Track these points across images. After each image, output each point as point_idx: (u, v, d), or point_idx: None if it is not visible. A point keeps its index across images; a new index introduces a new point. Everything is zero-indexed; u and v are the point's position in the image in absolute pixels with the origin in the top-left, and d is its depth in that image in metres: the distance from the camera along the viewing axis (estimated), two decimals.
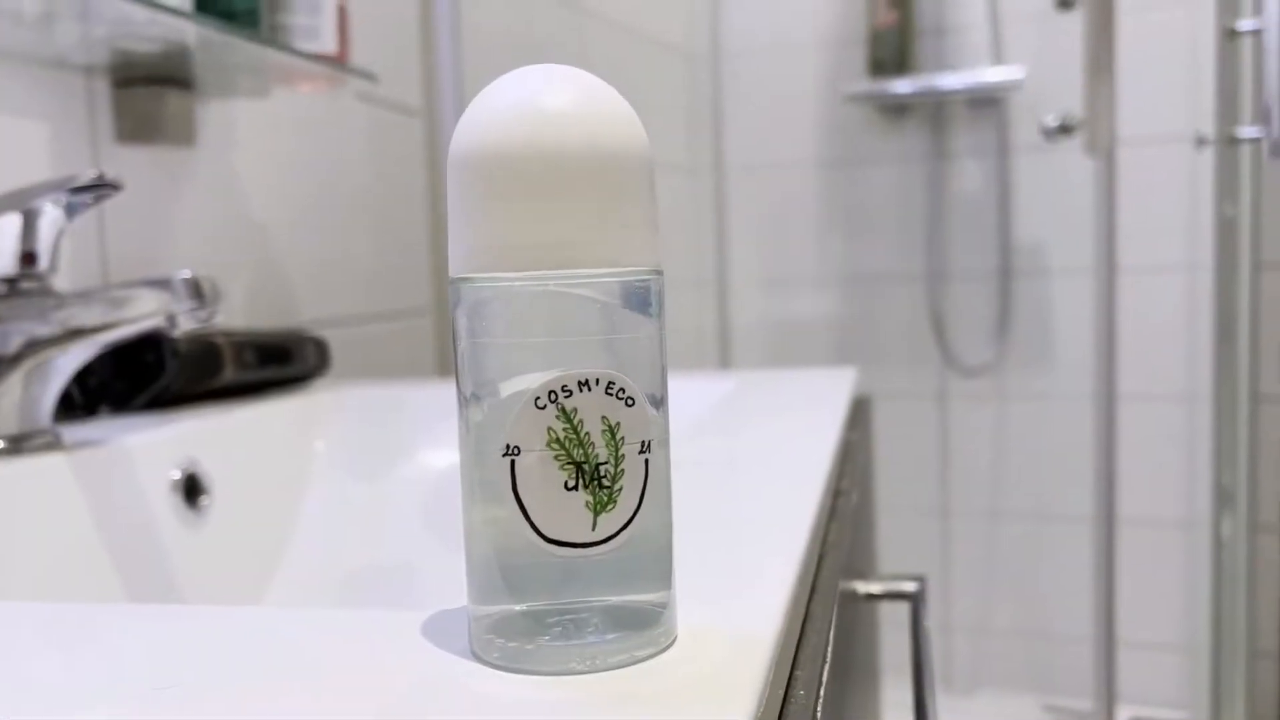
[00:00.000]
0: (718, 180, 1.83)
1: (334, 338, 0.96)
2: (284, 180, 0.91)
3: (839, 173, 1.79)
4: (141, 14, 0.58)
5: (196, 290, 0.52)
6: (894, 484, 1.83)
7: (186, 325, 0.52)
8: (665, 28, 1.77)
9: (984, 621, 1.84)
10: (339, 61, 0.73)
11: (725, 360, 1.87)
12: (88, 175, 0.51)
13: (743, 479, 0.46)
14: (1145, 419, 1.69)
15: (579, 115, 0.24)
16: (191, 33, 0.61)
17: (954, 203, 1.75)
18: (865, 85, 1.68)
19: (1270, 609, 1.65)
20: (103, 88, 0.71)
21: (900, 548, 1.84)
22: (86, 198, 0.53)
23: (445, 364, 1.15)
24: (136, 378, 0.69)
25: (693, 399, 0.72)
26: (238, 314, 0.84)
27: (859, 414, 0.71)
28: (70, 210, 0.54)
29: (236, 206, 0.85)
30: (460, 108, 1.14)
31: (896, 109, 1.74)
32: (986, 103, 1.70)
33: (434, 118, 1.14)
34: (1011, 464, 1.79)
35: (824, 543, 0.41)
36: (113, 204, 0.71)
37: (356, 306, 1.00)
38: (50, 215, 0.53)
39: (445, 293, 1.16)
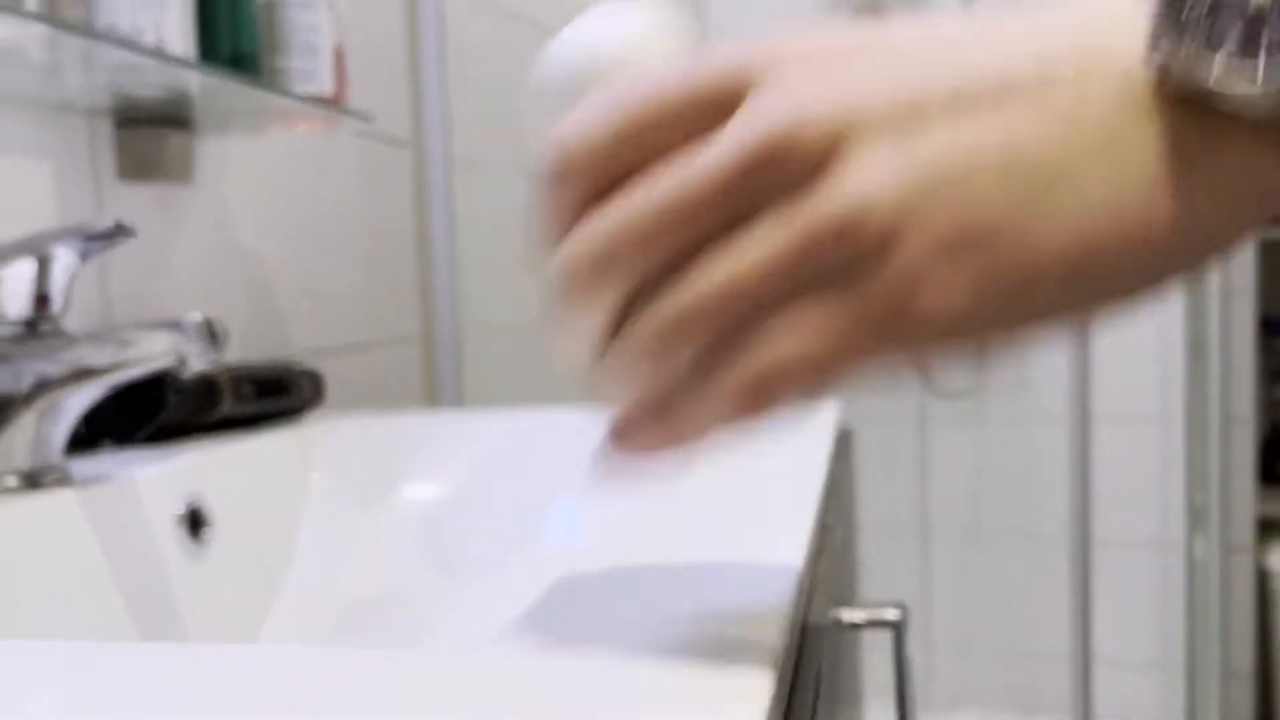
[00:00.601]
0: None
1: (325, 366, 0.97)
2: (277, 212, 0.93)
3: None
4: (148, 63, 0.60)
5: (207, 332, 0.54)
6: (878, 506, 1.86)
7: (197, 366, 0.54)
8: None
9: (965, 640, 1.86)
10: (335, 103, 0.75)
11: None
12: (103, 223, 0.53)
13: (735, 518, 0.48)
14: (1120, 441, 1.73)
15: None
16: (195, 80, 0.63)
17: None
18: None
19: (1245, 628, 1.68)
20: (105, 128, 0.73)
21: (884, 568, 1.86)
22: (100, 243, 0.55)
23: (433, 390, 1.17)
24: (138, 412, 0.70)
25: None
26: (233, 345, 0.86)
27: (842, 447, 0.73)
28: (83, 254, 0.56)
29: (231, 240, 0.87)
30: (447, 138, 1.17)
31: None
32: None
33: (421, 149, 1.16)
34: (991, 486, 1.82)
35: (813, 580, 0.43)
36: None
37: (347, 334, 1.02)
38: (64, 260, 0.55)
39: (433, 319, 1.17)
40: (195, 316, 0.55)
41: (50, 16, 0.55)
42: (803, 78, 0.24)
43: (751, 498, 0.50)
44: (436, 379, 1.17)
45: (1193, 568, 1.59)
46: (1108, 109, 0.23)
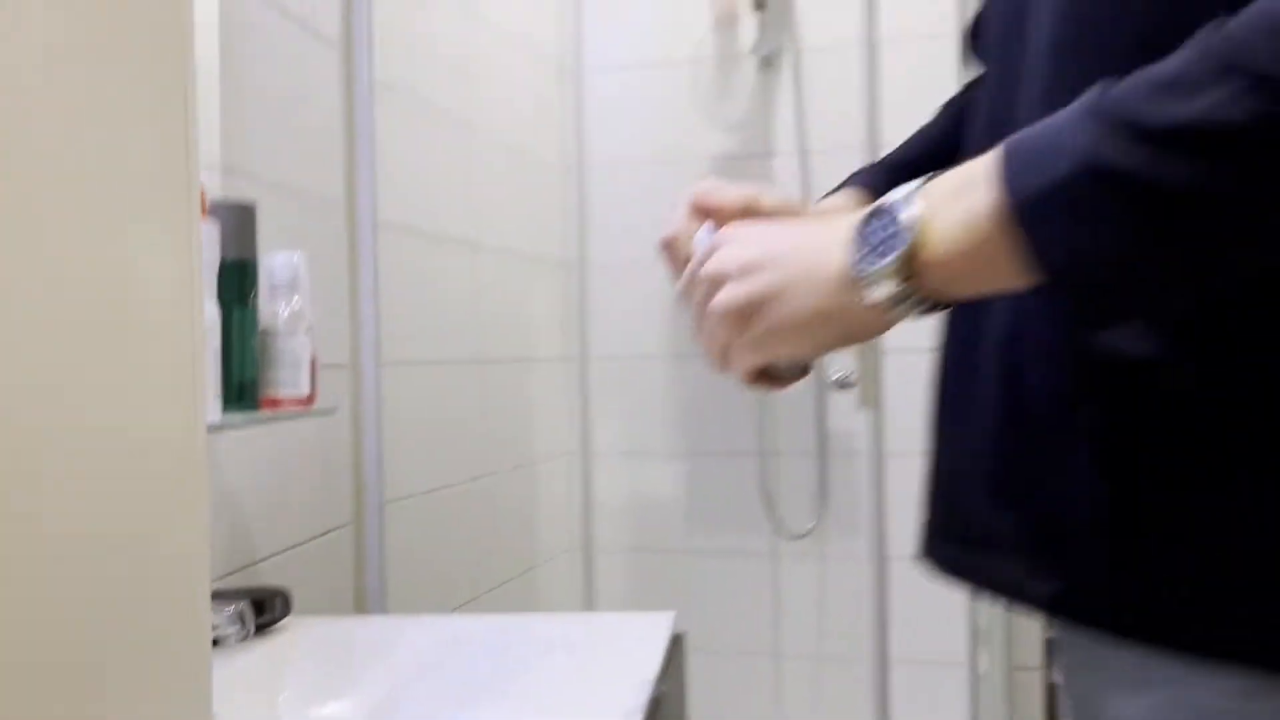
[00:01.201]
0: (583, 370, 2.17)
1: (285, 559, 1.24)
2: (254, 458, 1.20)
3: (686, 365, 2.15)
4: None
5: (240, 618, 0.81)
6: (736, 632, 2.17)
7: (234, 644, 0.81)
8: (543, 245, 2.11)
9: None
10: (310, 403, 1.03)
11: (588, 523, 2.18)
12: None
13: None
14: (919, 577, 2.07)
15: None
16: (218, 420, 0.91)
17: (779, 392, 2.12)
18: None
19: None
20: None
21: (740, 687, 2.17)
22: None
23: (362, 578, 1.44)
24: None
25: (514, 649, 1.03)
26: (220, 565, 1.12)
27: (674, 653, 1.03)
28: None
29: (218, 491, 1.13)
30: (379, 360, 1.45)
31: None
32: None
33: (359, 371, 1.43)
34: (831, 613, 2.15)
35: None
36: None
37: (298, 534, 1.29)
38: None
39: (364, 508, 1.44)
40: (231, 606, 0.81)
41: None
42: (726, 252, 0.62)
43: None
44: (365, 556, 1.44)
45: (976, 681, 1.93)
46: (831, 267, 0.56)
